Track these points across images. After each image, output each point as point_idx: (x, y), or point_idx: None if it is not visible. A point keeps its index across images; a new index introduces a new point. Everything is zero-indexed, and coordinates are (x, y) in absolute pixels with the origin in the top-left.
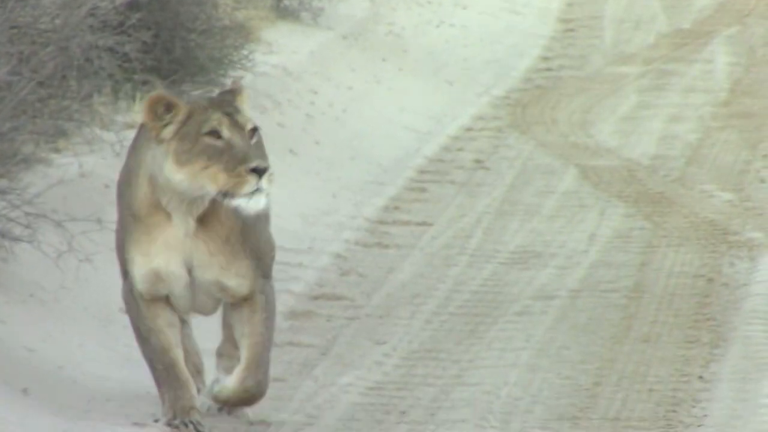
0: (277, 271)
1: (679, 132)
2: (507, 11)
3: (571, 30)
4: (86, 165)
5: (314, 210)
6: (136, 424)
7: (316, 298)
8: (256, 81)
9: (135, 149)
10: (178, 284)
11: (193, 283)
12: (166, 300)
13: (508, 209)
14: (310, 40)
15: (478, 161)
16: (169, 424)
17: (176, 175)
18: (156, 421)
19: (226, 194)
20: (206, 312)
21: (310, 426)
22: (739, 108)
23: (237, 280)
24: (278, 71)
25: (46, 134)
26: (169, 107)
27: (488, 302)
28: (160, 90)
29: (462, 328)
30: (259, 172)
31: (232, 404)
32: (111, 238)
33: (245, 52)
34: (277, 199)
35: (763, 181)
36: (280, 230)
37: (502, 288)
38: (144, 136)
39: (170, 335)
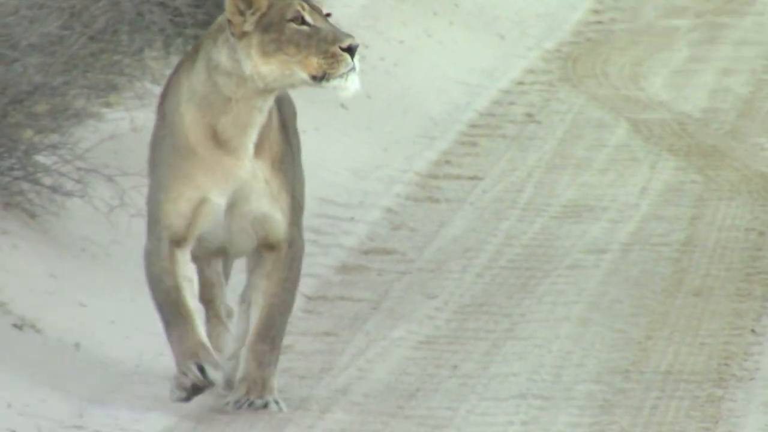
0: (328, 225)
1: (730, 85)
2: None
3: None
4: (137, 120)
5: (365, 164)
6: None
7: (367, 252)
8: None
9: (172, 85)
10: (217, 218)
11: (233, 217)
12: (192, 252)
13: (559, 163)
14: None
15: (529, 115)
16: (181, 372)
17: (263, 66)
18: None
19: (321, 77)
20: (239, 253)
21: (361, 380)
22: None
23: (281, 214)
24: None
25: (98, 89)
26: (249, 3)
27: (539, 256)
28: None
29: (513, 282)
30: (352, 50)
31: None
32: None
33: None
34: (327, 153)
35: None
36: (331, 185)
37: (553, 242)
38: (184, 68)
39: (184, 280)
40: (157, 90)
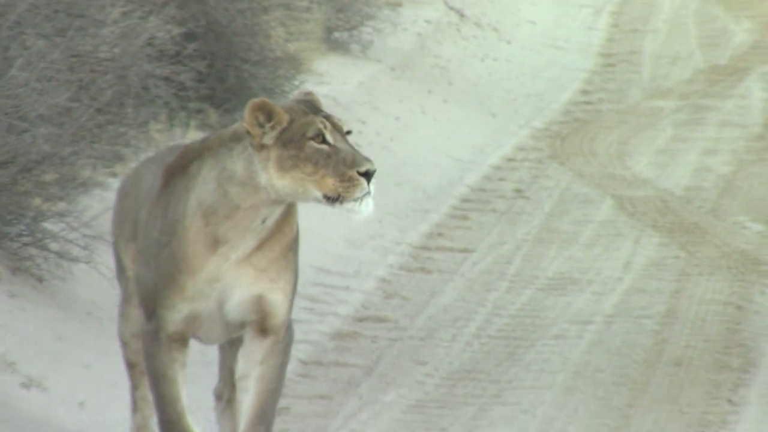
0: (323, 293)
1: (713, 165)
2: (549, 46)
3: (611, 65)
4: None
5: (361, 235)
6: None
7: (361, 320)
8: None
9: (172, 191)
10: (209, 320)
11: (225, 314)
12: (187, 339)
13: (547, 237)
14: (359, 71)
15: (518, 190)
16: None
17: (279, 181)
18: None
19: (335, 199)
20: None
21: None
22: None
23: (281, 296)
24: (328, 101)
25: (104, 159)
26: (270, 114)
27: (526, 326)
28: (262, 97)
29: (501, 351)
30: (369, 175)
31: None
32: None
33: (297, 83)
34: (324, 223)
35: None
36: (327, 254)
37: (539, 312)
38: (189, 173)
39: (181, 383)
40: None
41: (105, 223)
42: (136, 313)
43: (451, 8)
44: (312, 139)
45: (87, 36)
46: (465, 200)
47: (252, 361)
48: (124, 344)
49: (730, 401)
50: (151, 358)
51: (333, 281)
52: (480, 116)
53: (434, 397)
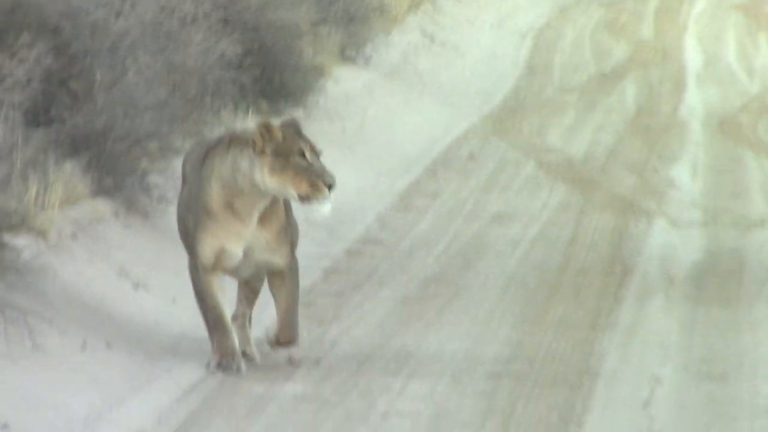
0: (339, 224)
1: (602, 138)
2: (492, 59)
3: (533, 72)
4: None
5: (365, 186)
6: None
7: (364, 242)
8: (327, 102)
9: (206, 164)
10: (235, 260)
11: (245, 260)
12: (221, 272)
13: (490, 187)
14: (362, 76)
15: (471, 155)
16: (218, 365)
17: (269, 180)
18: (207, 365)
19: (305, 198)
20: (252, 276)
21: (358, 325)
22: (641, 123)
23: (280, 258)
24: (342, 96)
25: (190, 134)
26: (270, 132)
27: (476, 247)
28: (266, 119)
29: (459, 263)
30: (331, 186)
31: (277, 345)
32: None
33: (320, 84)
34: (340, 179)
35: (656, 170)
36: (341, 200)
37: (485, 238)
38: (217, 156)
39: (220, 297)
40: None
41: None
42: None
43: (425, 35)
44: (297, 154)
45: (179, 52)
46: (435, 162)
47: (277, 285)
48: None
49: (614, 297)
50: (195, 281)
51: (346, 217)
52: (445, 106)
53: (414, 295)
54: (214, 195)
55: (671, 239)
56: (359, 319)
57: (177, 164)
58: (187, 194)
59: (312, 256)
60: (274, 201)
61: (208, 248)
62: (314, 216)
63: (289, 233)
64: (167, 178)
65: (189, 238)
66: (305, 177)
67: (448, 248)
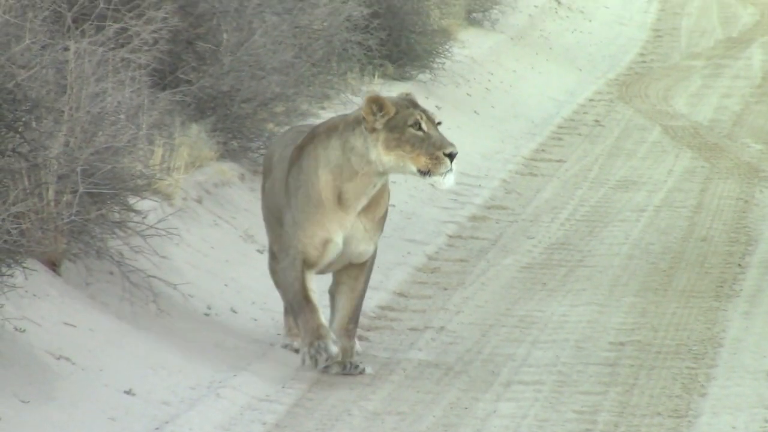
0: (464, 189)
1: (728, 104)
2: (618, 23)
3: (659, 36)
4: None
5: (490, 150)
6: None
7: (489, 207)
8: (453, 66)
9: (306, 156)
10: (335, 251)
11: (344, 251)
12: (316, 267)
13: (615, 152)
14: (489, 39)
15: (596, 121)
16: (310, 345)
17: (384, 156)
18: (296, 350)
19: (426, 173)
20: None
21: (482, 290)
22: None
23: (373, 248)
24: (468, 60)
25: (316, 97)
26: (381, 106)
27: (601, 213)
28: (374, 92)
29: (584, 230)
30: (452, 156)
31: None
32: None
33: (446, 47)
34: (465, 143)
35: None
36: (466, 164)
37: (610, 204)
38: (319, 145)
39: (310, 285)
40: (355, 99)
41: None
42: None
43: None
44: (411, 126)
45: (305, 14)
46: (560, 127)
47: (348, 277)
48: (273, 272)
49: (739, 265)
50: (286, 278)
51: (471, 181)
52: (571, 71)
53: (539, 261)
54: (323, 184)
55: None
56: (483, 286)
57: None
58: (280, 186)
59: (437, 221)
60: (384, 186)
61: (316, 240)
62: (438, 188)
63: (384, 222)
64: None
65: (286, 233)
66: (423, 149)
67: (572, 214)
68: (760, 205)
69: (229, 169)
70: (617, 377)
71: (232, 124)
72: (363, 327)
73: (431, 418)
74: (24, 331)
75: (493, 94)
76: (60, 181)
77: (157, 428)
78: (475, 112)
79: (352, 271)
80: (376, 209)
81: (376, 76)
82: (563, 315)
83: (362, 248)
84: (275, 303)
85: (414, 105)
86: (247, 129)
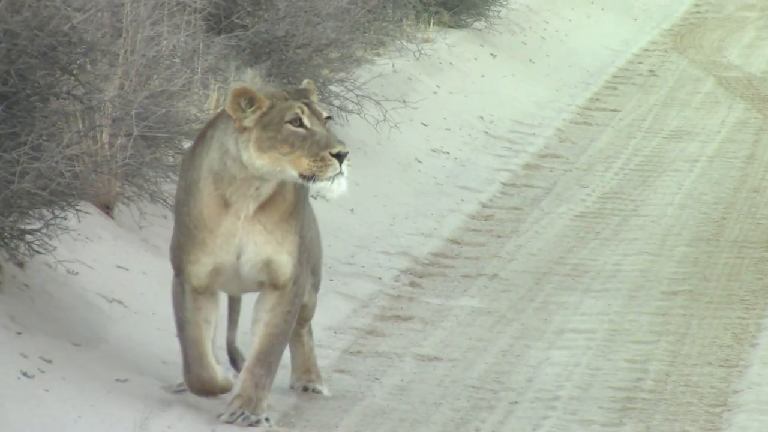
0: (518, 138)
1: None
2: None
3: None
4: (396, 64)
5: (544, 99)
6: None
7: (543, 156)
8: (509, 14)
9: (193, 160)
10: (230, 272)
11: (241, 267)
12: (212, 293)
13: (669, 102)
14: None
15: (651, 71)
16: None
17: (257, 160)
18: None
19: (309, 177)
20: (249, 291)
21: (535, 239)
22: None
23: (286, 257)
24: (524, 8)
25: (371, 44)
26: (252, 100)
27: (655, 163)
28: (241, 84)
29: (637, 179)
30: (341, 157)
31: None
32: (413, 114)
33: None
34: (519, 91)
35: None
36: (521, 112)
37: (664, 154)
38: (202, 145)
39: (204, 330)
40: (410, 46)
41: (371, 87)
42: None
43: None
44: (289, 122)
45: None
46: (615, 77)
47: (262, 309)
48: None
49: None
50: (178, 307)
51: (525, 129)
52: (626, 20)
53: (592, 210)
54: (206, 196)
55: None
56: (536, 234)
57: (358, 74)
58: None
59: (491, 168)
60: (283, 186)
61: (200, 267)
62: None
63: (299, 224)
64: (347, 89)
65: (173, 250)
66: (305, 150)
67: (626, 164)
68: None
69: None
70: (668, 326)
71: (287, 70)
72: (416, 274)
73: (483, 365)
74: (77, 274)
75: (548, 43)
76: (114, 124)
77: None
78: (530, 60)
79: (268, 301)
80: (275, 206)
81: (431, 24)
82: (616, 264)
83: (268, 254)
84: (337, 243)
85: (296, 95)
86: (302, 74)
